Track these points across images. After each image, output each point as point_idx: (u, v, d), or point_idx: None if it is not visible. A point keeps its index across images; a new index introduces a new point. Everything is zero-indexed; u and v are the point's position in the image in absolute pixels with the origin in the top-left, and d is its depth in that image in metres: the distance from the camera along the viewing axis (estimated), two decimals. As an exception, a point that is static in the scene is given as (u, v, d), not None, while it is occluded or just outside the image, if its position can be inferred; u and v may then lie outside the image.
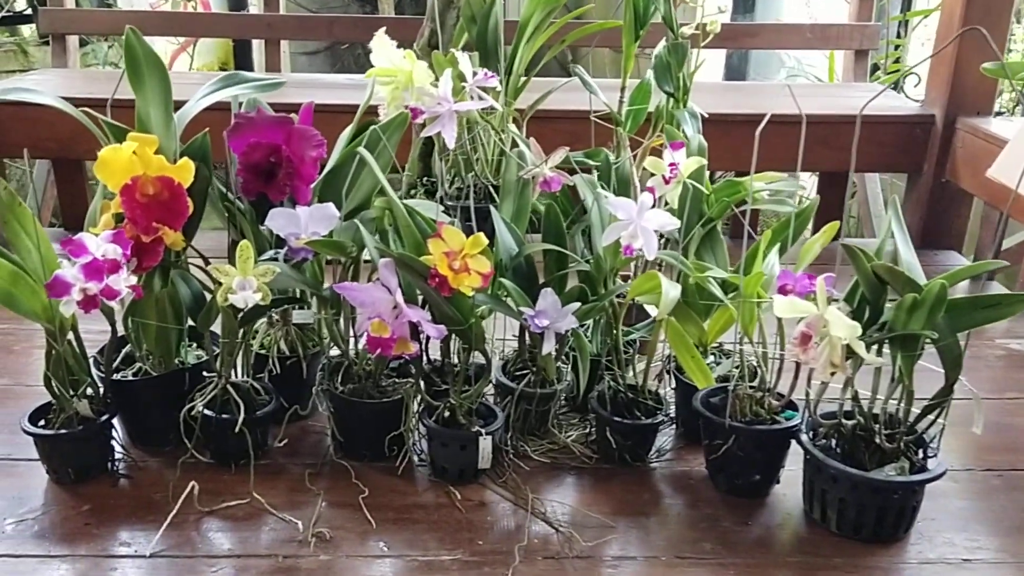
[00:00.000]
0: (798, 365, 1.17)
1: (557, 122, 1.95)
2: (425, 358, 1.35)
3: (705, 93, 1.94)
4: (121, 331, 1.25)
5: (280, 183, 1.18)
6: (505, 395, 1.34)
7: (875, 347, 1.09)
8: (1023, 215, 1.83)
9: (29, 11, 3.78)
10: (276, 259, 1.19)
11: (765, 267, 1.19)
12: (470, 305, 1.16)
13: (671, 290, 1.14)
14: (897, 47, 3.31)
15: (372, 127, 1.20)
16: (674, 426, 1.40)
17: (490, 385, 1.38)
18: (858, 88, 2.59)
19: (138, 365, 1.27)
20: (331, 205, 1.18)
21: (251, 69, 3.69)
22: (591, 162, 1.52)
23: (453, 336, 1.23)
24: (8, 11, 3.71)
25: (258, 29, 2.86)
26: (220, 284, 1.05)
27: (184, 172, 1.14)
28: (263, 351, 1.33)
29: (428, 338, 1.17)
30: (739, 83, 3.49)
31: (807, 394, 1.18)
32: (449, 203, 1.53)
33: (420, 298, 1.18)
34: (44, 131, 2.21)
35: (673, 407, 1.40)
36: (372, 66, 1.25)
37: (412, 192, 1.57)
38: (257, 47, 3.73)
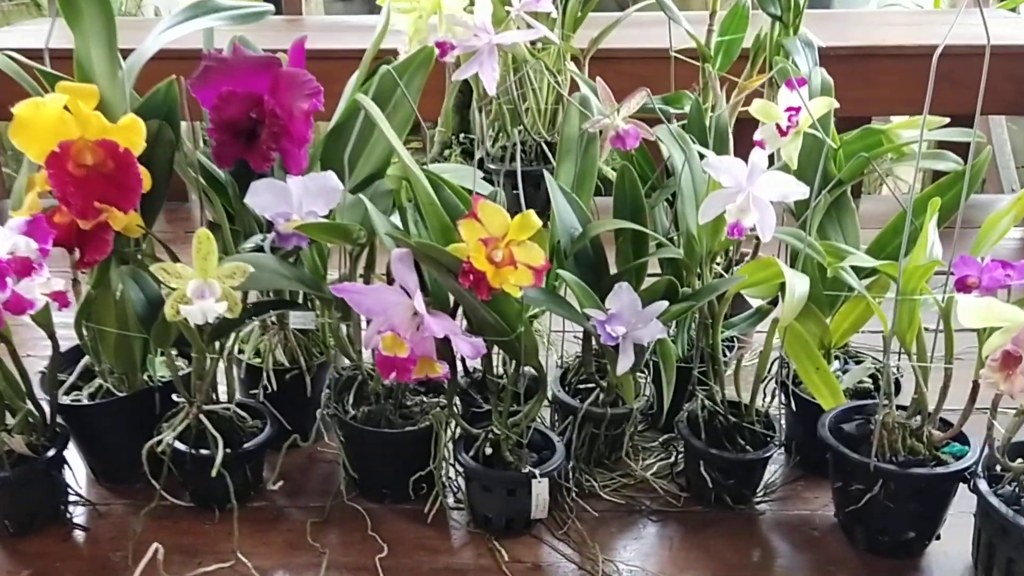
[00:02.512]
0: (976, 384, 0.84)
1: (623, 63, 1.61)
2: (462, 369, 1.05)
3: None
4: (74, 340, 0.98)
5: (263, 146, 0.88)
6: (565, 415, 1.04)
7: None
8: None
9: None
10: (261, 248, 0.89)
11: (928, 249, 0.85)
12: (518, 308, 0.86)
13: (798, 286, 0.81)
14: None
15: (385, 68, 0.89)
16: (784, 450, 1.09)
17: (545, 402, 1.08)
18: (977, 15, 2.18)
19: (98, 383, 0.99)
20: (331, 175, 0.88)
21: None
22: (673, 109, 1.19)
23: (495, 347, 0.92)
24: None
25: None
26: (172, 290, 0.76)
27: (132, 134, 0.85)
28: (258, 361, 1.05)
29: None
30: (826, 11, 3.07)
31: (988, 423, 0.85)
32: (492, 167, 1.22)
33: (452, 300, 0.88)
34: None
35: (783, 426, 1.08)
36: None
37: (446, 154, 1.25)
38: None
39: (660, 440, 1.10)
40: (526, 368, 0.96)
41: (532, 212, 0.80)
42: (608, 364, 0.94)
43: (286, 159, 0.90)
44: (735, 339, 1.13)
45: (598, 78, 1.01)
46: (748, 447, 0.97)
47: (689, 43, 1.20)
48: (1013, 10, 2.57)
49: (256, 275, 0.82)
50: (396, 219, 0.92)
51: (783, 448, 1.08)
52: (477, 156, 1.14)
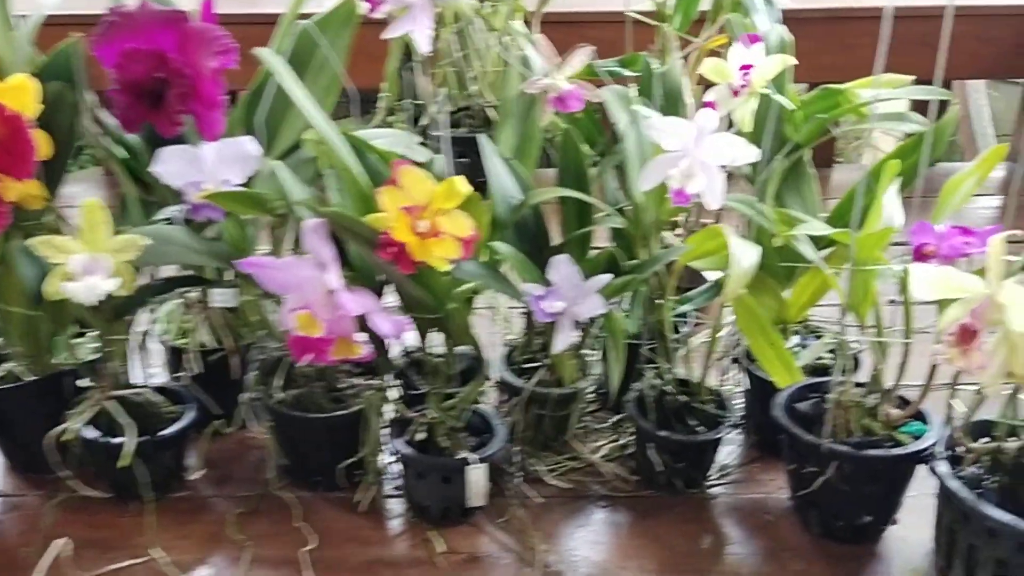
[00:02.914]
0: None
1: (579, 27, 1.53)
2: (402, 349, 0.99)
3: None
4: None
5: (170, 108, 0.81)
6: (511, 396, 0.98)
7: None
8: None
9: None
10: (171, 220, 0.83)
11: (885, 217, 0.80)
12: (447, 283, 0.80)
13: (745, 256, 0.75)
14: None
15: (300, 24, 0.82)
16: (742, 431, 1.03)
17: (488, 383, 1.02)
18: (958, -22, 2.12)
19: (8, 367, 0.93)
20: (247, 140, 0.82)
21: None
22: (627, 72, 1.12)
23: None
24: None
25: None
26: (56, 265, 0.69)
27: (22, 96, 0.78)
28: (183, 342, 0.98)
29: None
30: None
31: (947, 401, 0.80)
32: (437, 133, 1.15)
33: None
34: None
35: (742, 405, 1.03)
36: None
37: (389, 121, 1.18)
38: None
39: (611, 421, 1.04)
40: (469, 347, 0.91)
41: (460, 178, 0.74)
42: (548, 340, 0.89)
43: (199, 123, 0.83)
44: (691, 315, 1.08)
45: (540, 34, 0.94)
46: (699, 428, 0.92)
47: (649, 5, 1.13)
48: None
49: (160, 249, 0.75)
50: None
51: (741, 428, 1.03)
52: (421, 122, 1.07)
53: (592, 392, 1.08)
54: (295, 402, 0.91)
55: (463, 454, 0.86)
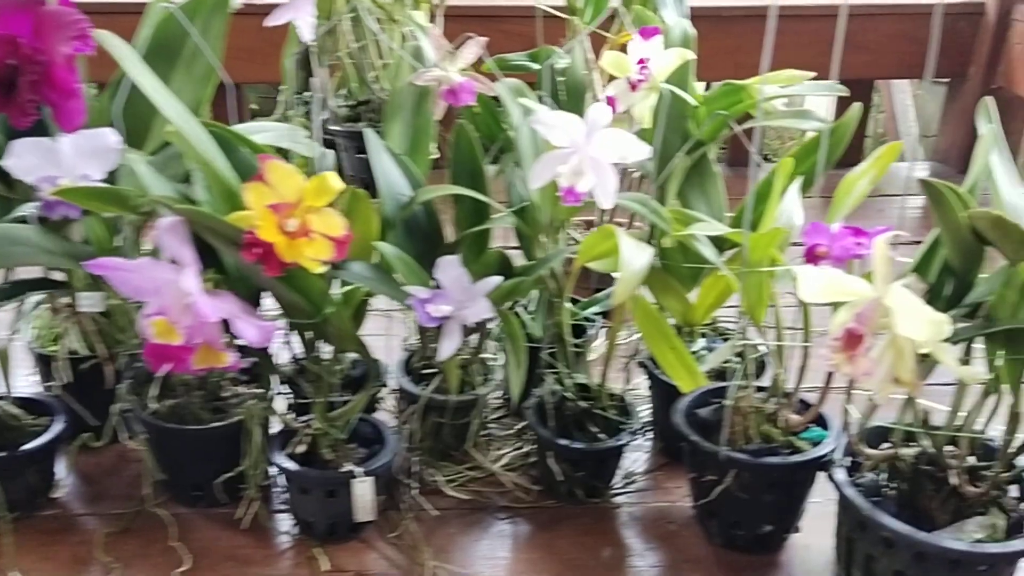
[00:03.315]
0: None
1: (493, 21, 1.49)
2: (290, 355, 0.94)
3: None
4: None
5: (22, 97, 0.75)
6: (408, 403, 0.94)
7: (962, 345, 0.69)
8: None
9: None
10: (25, 219, 0.77)
11: (781, 216, 0.77)
12: (322, 286, 0.75)
13: (635, 257, 0.72)
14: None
15: (163, 7, 0.76)
16: (650, 437, 1.00)
17: (384, 389, 0.98)
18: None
19: None
20: (108, 132, 0.76)
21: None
22: (536, 66, 1.08)
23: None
24: None
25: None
26: None
27: None
28: (53, 349, 0.92)
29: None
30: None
31: (844, 407, 0.77)
32: (336, 128, 1.10)
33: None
34: None
35: (649, 410, 1.00)
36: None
37: (288, 115, 1.13)
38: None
39: (516, 429, 1.01)
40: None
41: (332, 173, 0.69)
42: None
43: (56, 114, 0.77)
44: (599, 321, 1.04)
45: (431, 24, 0.90)
46: (600, 435, 0.89)
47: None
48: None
49: (6, 250, 0.69)
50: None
51: (648, 435, 1.00)
52: (320, 117, 1.02)
53: (498, 399, 1.05)
54: (171, 413, 0.85)
55: (348, 467, 0.82)
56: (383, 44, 1.04)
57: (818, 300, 0.63)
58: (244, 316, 0.69)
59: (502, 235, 0.93)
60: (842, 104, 1.66)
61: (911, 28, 1.79)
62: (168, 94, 0.69)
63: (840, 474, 0.77)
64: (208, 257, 0.73)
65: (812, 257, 0.70)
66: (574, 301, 1.00)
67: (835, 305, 0.72)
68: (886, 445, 0.78)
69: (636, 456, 0.98)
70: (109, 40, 0.66)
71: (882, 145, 0.77)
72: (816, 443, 0.80)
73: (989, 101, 0.74)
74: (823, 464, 0.79)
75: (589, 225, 1.22)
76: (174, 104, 0.69)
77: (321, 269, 0.71)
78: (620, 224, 1.09)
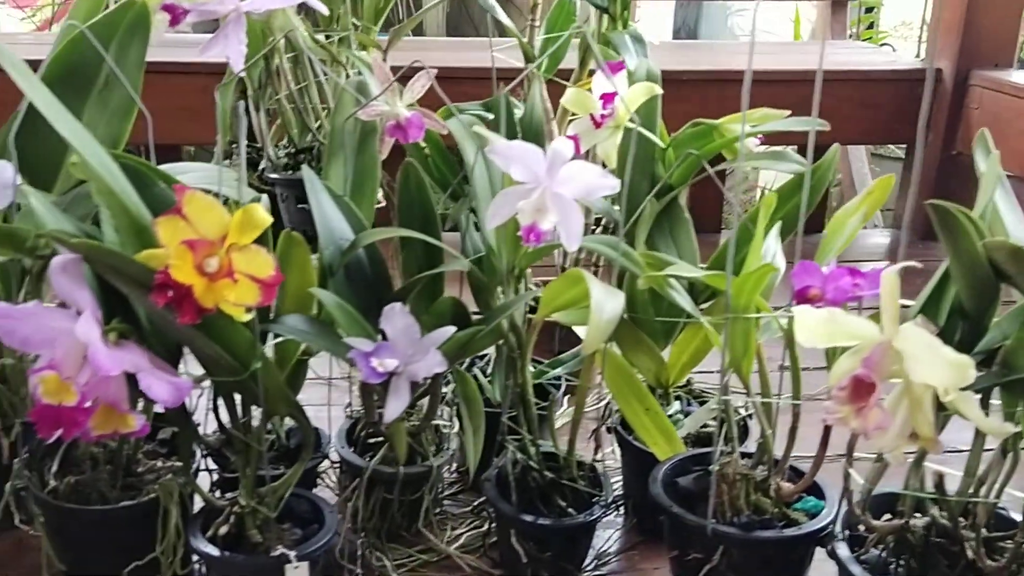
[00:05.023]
0: (828, 426, 0.68)
1: (459, 84, 1.45)
2: (216, 420, 0.83)
3: (653, 52, 1.45)
4: None
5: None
6: (352, 476, 0.83)
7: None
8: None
9: None
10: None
11: (765, 257, 0.70)
12: (248, 337, 0.65)
13: (607, 303, 0.64)
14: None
15: (72, 26, 0.68)
16: (621, 512, 0.90)
17: (325, 462, 0.87)
18: (836, 45, 2.14)
19: None
20: (2, 165, 0.66)
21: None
22: (490, 116, 1.02)
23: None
24: None
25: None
26: None
27: None
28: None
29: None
30: (693, 42, 3.02)
31: (844, 472, 0.68)
32: (274, 176, 1.02)
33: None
34: None
35: (620, 482, 0.91)
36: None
37: (225, 165, 1.04)
38: None
39: (473, 505, 0.90)
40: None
41: (257, 205, 0.60)
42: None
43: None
44: (564, 382, 0.95)
45: (373, 53, 0.83)
46: (570, 509, 0.79)
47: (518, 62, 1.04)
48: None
49: None
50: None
51: (619, 508, 0.90)
52: (262, 166, 0.94)
53: (452, 472, 0.94)
54: (73, 491, 0.74)
55: (280, 550, 0.70)
56: (326, 88, 0.97)
57: (817, 344, 0.55)
58: (152, 370, 0.59)
59: (454, 290, 0.85)
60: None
61: (867, 94, 1.78)
62: (70, 118, 0.60)
63: (843, 549, 0.67)
64: (118, 307, 0.64)
65: (803, 300, 0.62)
66: (535, 363, 0.91)
67: (830, 355, 0.65)
68: (887, 517, 0.70)
69: (607, 534, 0.87)
70: (3, 53, 0.57)
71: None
72: (813, 514, 0.71)
73: (985, 132, 0.68)
74: (822, 538, 0.70)
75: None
76: (75, 127, 0.59)
77: (246, 317, 0.62)
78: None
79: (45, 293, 0.71)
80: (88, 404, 0.58)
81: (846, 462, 0.66)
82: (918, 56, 2.13)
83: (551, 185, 0.67)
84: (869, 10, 2.85)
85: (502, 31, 1.02)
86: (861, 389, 0.53)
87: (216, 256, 0.59)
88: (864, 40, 2.70)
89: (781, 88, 1.69)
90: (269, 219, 0.60)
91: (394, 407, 0.69)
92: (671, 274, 0.68)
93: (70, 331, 0.58)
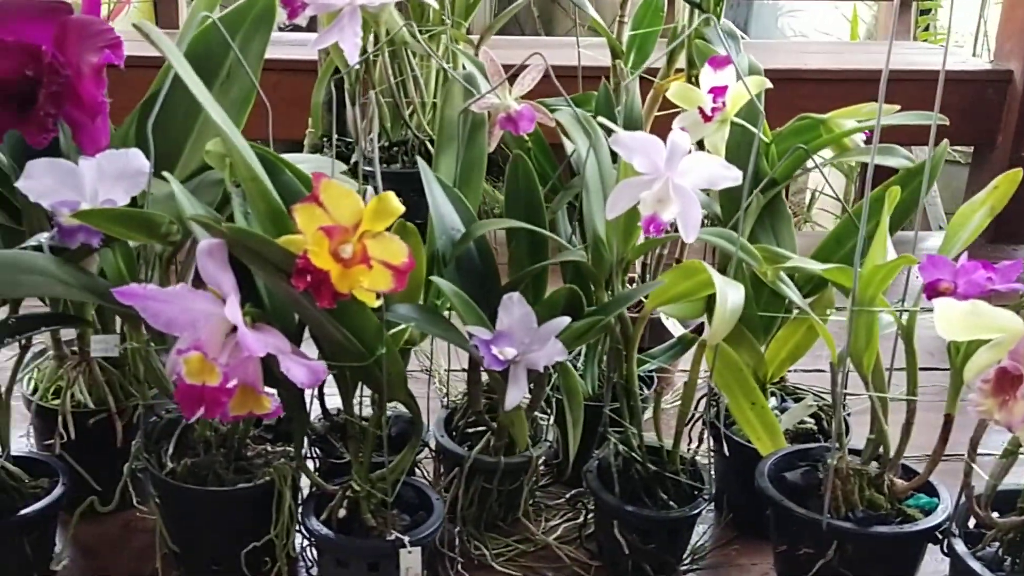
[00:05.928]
0: (948, 421, 0.68)
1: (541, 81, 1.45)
2: (320, 407, 0.85)
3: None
4: None
5: (40, 112, 0.67)
6: (451, 466, 0.84)
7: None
8: None
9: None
10: (39, 248, 0.68)
11: (888, 252, 0.70)
12: (376, 324, 0.66)
13: (732, 295, 0.64)
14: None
15: (205, 16, 0.69)
16: (713, 506, 0.90)
17: (425, 450, 0.88)
18: (902, 45, 2.12)
19: None
20: (135, 152, 0.68)
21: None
22: (579, 110, 1.02)
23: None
24: None
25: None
26: None
27: None
28: (56, 403, 0.82)
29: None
30: (752, 41, 2.99)
31: (966, 468, 0.68)
32: (369, 170, 1.02)
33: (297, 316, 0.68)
34: None
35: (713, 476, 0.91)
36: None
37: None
38: None
39: (567, 496, 0.90)
40: (398, 407, 0.77)
41: (391, 194, 0.61)
42: (497, 397, 0.75)
43: (77, 133, 0.69)
44: (655, 374, 0.95)
45: (485, 50, 0.83)
46: (672, 503, 0.79)
47: (603, 60, 1.04)
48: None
49: (15, 279, 0.60)
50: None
51: (712, 501, 0.90)
52: (354, 158, 0.95)
53: (543, 464, 0.95)
54: (189, 473, 0.75)
55: (394, 535, 0.71)
56: (423, 81, 0.98)
57: (958, 336, 0.55)
58: (290, 353, 0.60)
59: (551, 284, 0.85)
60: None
61: (933, 96, 1.76)
62: (220, 109, 0.61)
63: (960, 545, 0.67)
64: (244, 292, 0.65)
65: (934, 293, 0.62)
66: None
67: (952, 353, 0.64)
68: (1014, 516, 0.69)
69: (702, 528, 0.87)
70: (154, 33, 0.59)
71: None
72: (927, 511, 0.71)
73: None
74: (936, 535, 0.69)
75: (631, 281, 1.14)
76: (222, 115, 0.61)
77: (377, 303, 0.63)
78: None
79: (166, 278, 0.72)
80: (230, 385, 0.59)
81: (968, 457, 0.66)
82: (975, 56, 2.10)
83: (672, 176, 0.67)
84: (924, 12, 2.82)
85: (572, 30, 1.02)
86: (1006, 382, 0.53)
87: (350, 243, 0.61)
88: (923, 41, 2.67)
89: (852, 87, 1.68)
90: (402, 208, 0.61)
91: (514, 395, 0.69)
92: (793, 266, 0.68)
93: (215, 313, 0.59)
